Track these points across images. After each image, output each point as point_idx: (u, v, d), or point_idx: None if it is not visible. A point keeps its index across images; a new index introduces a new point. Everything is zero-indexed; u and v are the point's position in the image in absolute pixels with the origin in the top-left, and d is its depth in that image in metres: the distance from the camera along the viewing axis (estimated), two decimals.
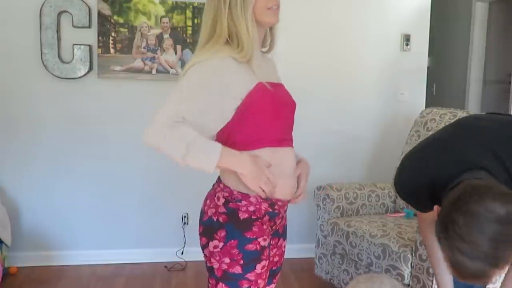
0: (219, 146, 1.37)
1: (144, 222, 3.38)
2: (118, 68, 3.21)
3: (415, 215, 3.04)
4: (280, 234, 1.59)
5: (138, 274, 3.21)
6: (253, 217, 1.44)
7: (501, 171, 1.35)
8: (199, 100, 1.37)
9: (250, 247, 1.42)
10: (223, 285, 1.44)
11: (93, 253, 3.34)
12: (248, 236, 1.42)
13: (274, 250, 1.58)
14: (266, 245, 1.46)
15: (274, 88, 1.45)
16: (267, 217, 1.46)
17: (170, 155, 1.35)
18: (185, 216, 3.41)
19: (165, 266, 3.32)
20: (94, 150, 3.27)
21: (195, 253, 3.36)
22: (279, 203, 1.49)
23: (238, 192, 1.44)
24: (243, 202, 1.43)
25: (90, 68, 3.19)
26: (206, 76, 1.38)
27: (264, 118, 1.43)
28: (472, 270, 1.12)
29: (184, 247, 3.39)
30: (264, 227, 1.46)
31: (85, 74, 3.18)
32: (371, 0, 3.51)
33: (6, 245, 3.03)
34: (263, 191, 1.40)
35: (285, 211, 1.57)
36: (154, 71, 3.24)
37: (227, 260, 1.42)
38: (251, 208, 1.43)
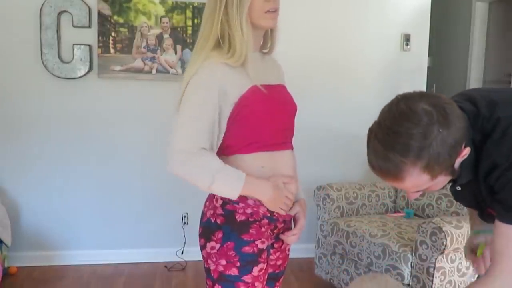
0: (243, 176, 1.37)
1: (144, 222, 3.38)
2: (118, 68, 3.21)
3: (415, 214, 3.05)
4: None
5: (138, 274, 3.21)
6: (250, 219, 1.42)
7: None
8: (209, 118, 1.36)
9: (247, 249, 1.41)
10: (220, 286, 1.43)
11: (93, 253, 3.34)
12: (245, 239, 1.41)
13: (278, 254, 1.57)
14: (264, 247, 1.44)
15: (271, 90, 1.43)
16: (266, 220, 1.45)
17: (195, 184, 1.37)
18: (185, 216, 3.41)
19: (165, 266, 3.32)
20: (94, 150, 3.27)
21: (195, 253, 3.35)
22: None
23: None
24: (241, 204, 1.42)
25: (90, 68, 3.19)
26: (206, 91, 1.35)
27: (257, 121, 1.40)
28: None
29: (184, 247, 3.39)
30: (263, 229, 1.44)
31: (85, 74, 3.18)
32: (371, 0, 3.51)
33: (6, 245, 3.03)
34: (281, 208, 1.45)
35: (291, 217, 1.55)
36: (154, 71, 3.24)
37: (223, 262, 1.41)
38: (249, 211, 1.42)
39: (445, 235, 2.24)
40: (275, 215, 1.46)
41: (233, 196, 1.37)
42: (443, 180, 1.19)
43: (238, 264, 1.41)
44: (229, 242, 1.41)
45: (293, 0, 3.35)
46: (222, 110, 1.37)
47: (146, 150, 3.30)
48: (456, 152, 1.13)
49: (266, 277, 1.48)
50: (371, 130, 1.19)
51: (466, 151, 1.16)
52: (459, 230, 2.27)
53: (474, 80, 4.87)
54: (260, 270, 1.43)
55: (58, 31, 3.12)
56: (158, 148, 3.29)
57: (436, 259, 2.30)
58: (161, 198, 3.37)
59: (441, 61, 5.22)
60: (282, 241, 1.56)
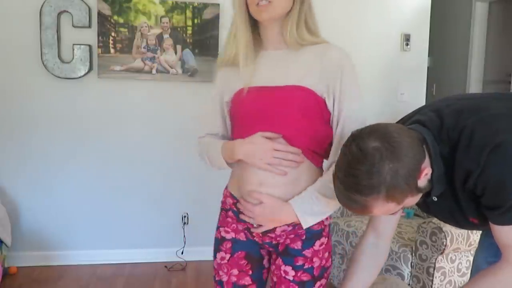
0: (219, 144, 1.41)
1: (144, 222, 3.38)
2: (118, 68, 3.21)
3: (415, 214, 3.05)
4: (279, 252, 1.41)
5: (138, 274, 3.21)
6: (222, 207, 1.51)
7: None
8: (214, 114, 1.49)
9: (215, 233, 1.51)
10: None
11: (93, 253, 3.34)
12: (217, 224, 1.52)
13: (273, 267, 1.44)
14: (227, 238, 1.45)
15: (255, 93, 1.34)
16: (231, 213, 1.46)
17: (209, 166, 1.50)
18: (185, 216, 3.41)
19: (165, 266, 3.32)
20: (94, 150, 3.27)
21: (195, 253, 3.37)
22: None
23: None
24: (224, 191, 1.51)
25: (90, 68, 3.19)
26: (213, 92, 1.49)
27: (234, 125, 1.44)
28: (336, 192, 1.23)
29: (184, 247, 3.39)
30: (228, 219, 1.47)
31: (85, 74, 3.18)
32: (371, 0, 3.51)
33: (6, 245, 3.03)
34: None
35: (278, 235, 1.39)
36: (154, 71, 3.24)
37: None
38: (222, 198, 1.51)
39: (445, 235, 2.24)
40: (238, 208, 1.40)
41: (223, 166, 1.43)
42: (413, 199, 1.24)
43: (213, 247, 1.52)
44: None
45: None
46: (223, 109, 1.47)
47: (146, 150, 3.30)
48: (414, 177, 1.17)
49: (233, 270, 1.44)
50: (335, 170, 1.22)
51: (427, 171, 1.20)
52: (459, 230, 2.27)
53: (474, 80, 4.88)
54: (222, 258, 1.45)
55: (58, 31, 3.12)
56: (158, 148, 3.30)
57: (436, 259, 2.30)
58: (161, 198, 3.37)
59: (441, 61, 5.23)
60: (277, 256, 1.42)
